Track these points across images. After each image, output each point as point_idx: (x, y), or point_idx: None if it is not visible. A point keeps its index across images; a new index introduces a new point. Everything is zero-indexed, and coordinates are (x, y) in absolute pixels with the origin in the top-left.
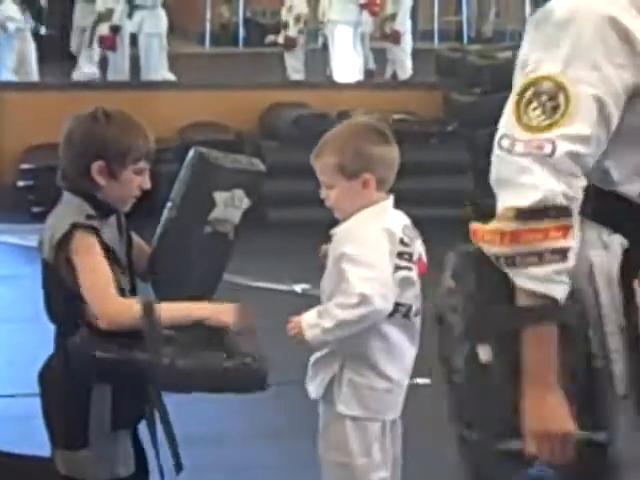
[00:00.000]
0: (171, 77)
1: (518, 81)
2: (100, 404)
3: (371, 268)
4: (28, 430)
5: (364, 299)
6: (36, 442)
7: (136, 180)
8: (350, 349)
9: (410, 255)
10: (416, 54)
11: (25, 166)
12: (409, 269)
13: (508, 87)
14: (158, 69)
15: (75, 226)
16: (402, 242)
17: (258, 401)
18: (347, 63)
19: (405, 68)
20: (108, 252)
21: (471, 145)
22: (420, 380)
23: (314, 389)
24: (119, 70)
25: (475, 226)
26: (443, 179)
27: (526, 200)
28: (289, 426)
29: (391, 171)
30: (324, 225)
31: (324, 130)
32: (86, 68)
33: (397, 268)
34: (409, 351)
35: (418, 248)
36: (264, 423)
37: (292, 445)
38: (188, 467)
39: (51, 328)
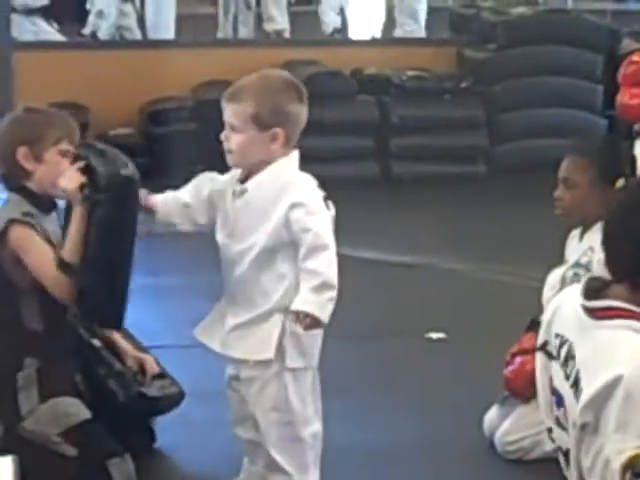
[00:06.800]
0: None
1: None
2: (26, 383)
3: (321, 215)
4: None
5: (329, 246)
6: None
7: (63, 162)
8: (290, 298)
9: None
10: (429, 11)
11: None
12: None
13: (521, 43)
14: (166, 29)
15: (12, 222)
16: None
17: None
18: (361, 20)
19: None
20: (49, 243)
21: (485, 101)
22: (434, 335)
23: (257, 350)
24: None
25: None
26: (457, 135)
27: None
28: None
29: (299, 129)
30: (334, 182)
31: (337, 88)
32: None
33: None
34: None
35: None
36: None
37: None
38: (206, 419)
39: None
